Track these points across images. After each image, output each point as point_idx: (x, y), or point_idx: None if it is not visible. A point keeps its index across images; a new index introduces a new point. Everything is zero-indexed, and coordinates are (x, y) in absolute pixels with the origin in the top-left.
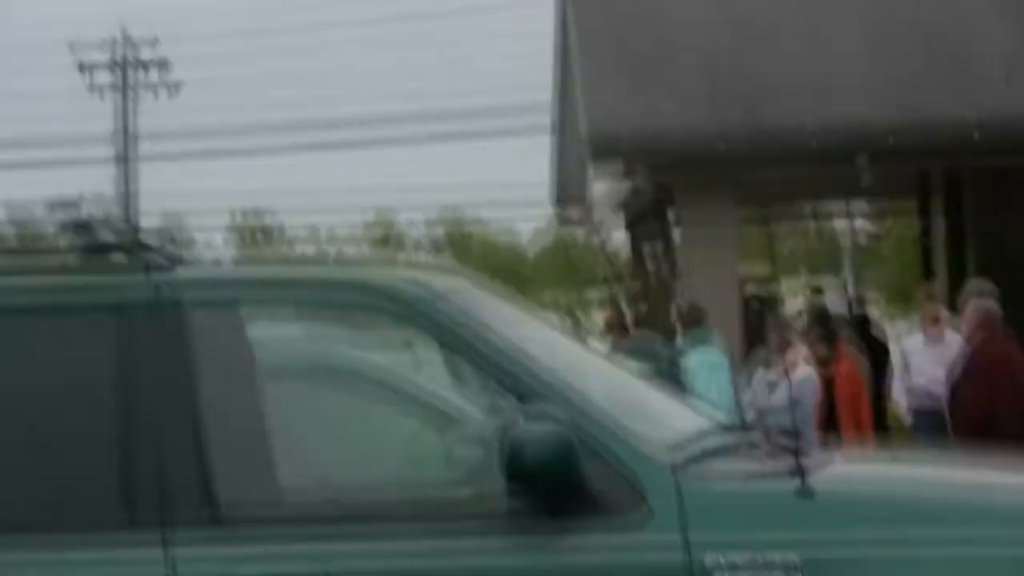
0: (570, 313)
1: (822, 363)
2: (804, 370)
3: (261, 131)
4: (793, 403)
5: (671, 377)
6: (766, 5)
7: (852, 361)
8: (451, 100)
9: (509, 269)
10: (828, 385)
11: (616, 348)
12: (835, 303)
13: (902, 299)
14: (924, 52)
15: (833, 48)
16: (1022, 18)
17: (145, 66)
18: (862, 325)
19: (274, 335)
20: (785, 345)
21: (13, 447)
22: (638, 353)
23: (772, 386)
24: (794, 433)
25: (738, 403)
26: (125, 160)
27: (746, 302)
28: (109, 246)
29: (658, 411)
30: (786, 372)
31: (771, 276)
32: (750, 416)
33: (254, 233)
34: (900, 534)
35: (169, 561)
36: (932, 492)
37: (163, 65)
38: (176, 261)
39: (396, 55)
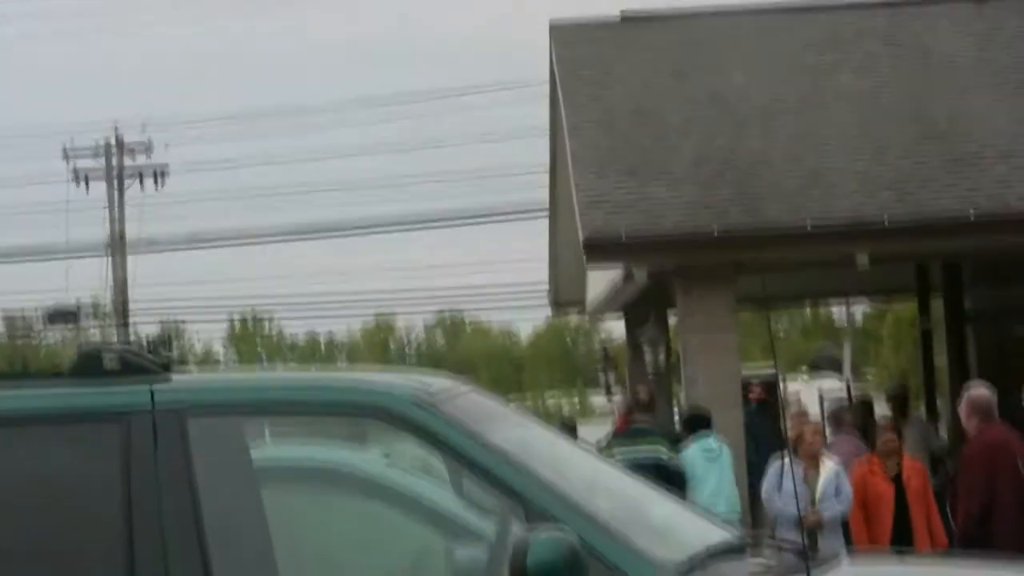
0: (564, 422)
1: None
2: (831, 462)
3: (255, 234)
4: (834, 493)
5: (670, 470)
6: (761, 98)
7: (915, 463)
8: (449, 201)
9: (506, 361)
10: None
11: (618, 435)
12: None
13: (903, 380)
14: (919, 141)
15: (829, 140)
16: (1017, 104)
17: (131, 151)
18: (866, 411)
19: (273, 442)
20: (812, 437)
21: (12, 562)
22: (642, 437)
23: (805, 477)
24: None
25: (752, 492)
26: (117, 253)
27: (747, 392)
28: (106, 354)
29: (660, 514)
30: (815, 462)
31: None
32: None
33: (253, 338)
34: None
35: None
36: None
37: (149, 150)
38: (172, 368)
39: (385, 159)
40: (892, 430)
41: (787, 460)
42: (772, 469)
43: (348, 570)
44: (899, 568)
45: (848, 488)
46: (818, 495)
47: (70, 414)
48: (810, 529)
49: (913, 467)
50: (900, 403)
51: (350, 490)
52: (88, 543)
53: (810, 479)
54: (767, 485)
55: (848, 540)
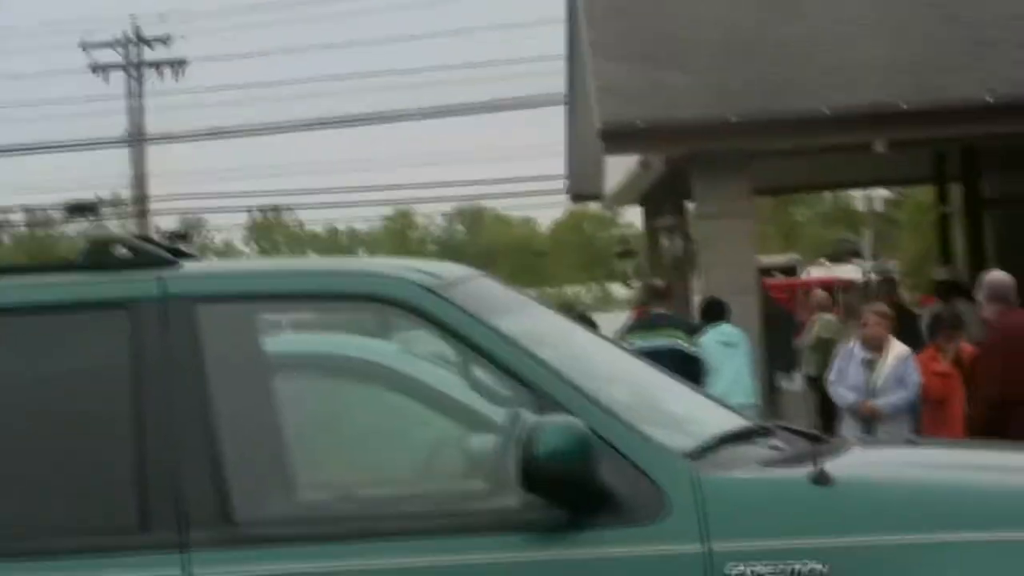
0: (579, 312)
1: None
2: (901, 348)
3: (275, 126)
4: (898, 382)
5: (688, 357)
6: None
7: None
8: (467, 92)
9: (527, 252)
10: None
11: (635, 324)
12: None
13: (921, 266)
14: (937, 25)
15: (848, 25)
16: None
17: (150, 44)
18: (891, 290)
19: (284, 330)
20: (881, 323)
21: (21, 450)
22: (660, 326)
23: (869, 364)
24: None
25: (770, 381)
26: (137, 146)
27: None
28: (116, 244)
29: (674, 402)
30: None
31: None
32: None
33: (273, 231)
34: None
35: (186, 568)
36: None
37: (168, 42)
38: (183, 257)
39: (403, 49)
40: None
41: (854, 345)
42: (840, 355)
43: (361, 459)
44: (904, 453)
45: (915, 375)
46: (880, 383)
47: (80, 303)
48: (868, 419)
49: (968, 352)
50: (946, 289)
51: (362, 379)
52: (98, 432)
53: (874, 366)
54: (832, 374)
55: (918, 430)
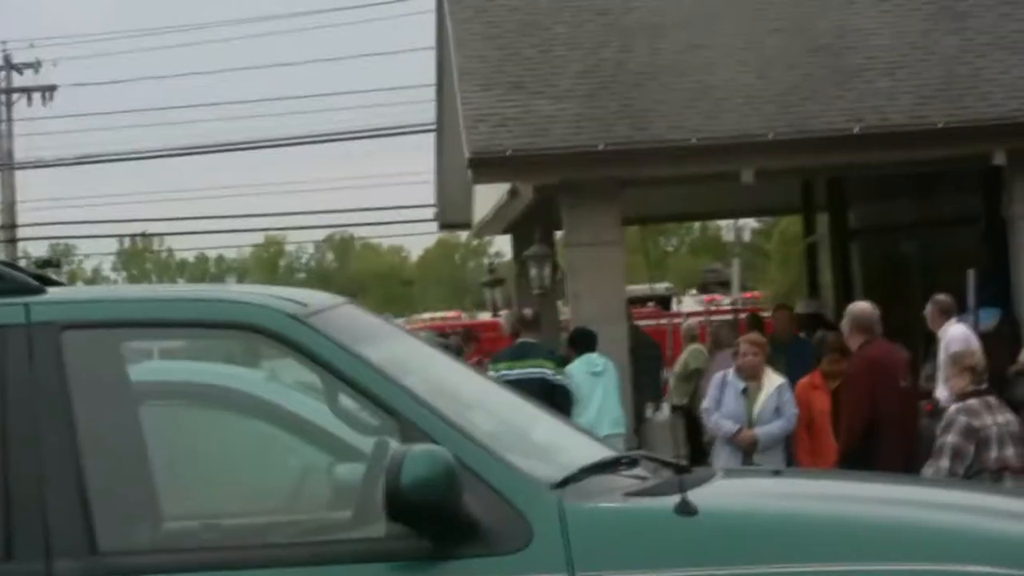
0: (451, 340)
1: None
2: (776, 377)
3: (144, 153)
4: (775, 412)
5: (556, 387)
6: (647, 12)
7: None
8: (338, 119)
9: (396, 280)
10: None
11: (503, 353)
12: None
13: (789, 296)
14: (804, 55)
15: (715, 54)
16: (902, 18)
17: (19, 70)
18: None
19: (150, 356)
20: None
21: None
22: (527, 355)
23: (745, 393)
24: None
25: (637, 410)
26: (5, 172)
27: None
28: None
29: (540, 432)
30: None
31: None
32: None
33: (143, 259)
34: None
35: None
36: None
37: (37, 69)
38: (48, 283)
39: (273, 76)
40: (838, 347)
41: (728, 374)
42: (713, 384)
43: (227, 488)
44: (769, 483)
45: (791, 407)
46: (755, 413)
47: None
48: (744, 449)
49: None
50: (808, 322)
51: (228, 407)
52: None
53: (751, 395)
54: (707, 401)
55: (791, 459)
